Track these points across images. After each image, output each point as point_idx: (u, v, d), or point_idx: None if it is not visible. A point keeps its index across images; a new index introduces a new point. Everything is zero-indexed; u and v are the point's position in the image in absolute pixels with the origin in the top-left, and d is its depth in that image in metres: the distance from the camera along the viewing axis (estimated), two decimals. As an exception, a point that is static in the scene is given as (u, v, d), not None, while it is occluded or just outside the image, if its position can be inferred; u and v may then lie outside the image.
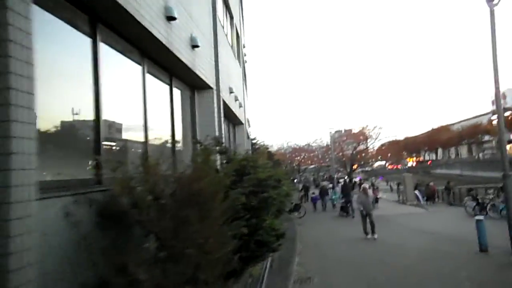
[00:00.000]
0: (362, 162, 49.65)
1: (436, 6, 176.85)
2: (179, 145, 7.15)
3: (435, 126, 78.98)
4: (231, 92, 10.80)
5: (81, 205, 3.40)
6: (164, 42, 5.26)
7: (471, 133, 66.54)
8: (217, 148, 6.31)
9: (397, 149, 71.35)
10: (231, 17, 13.03)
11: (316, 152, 54.41)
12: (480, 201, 15.96)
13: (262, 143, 30.27)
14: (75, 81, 3.99)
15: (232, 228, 4.33)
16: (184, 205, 3.66)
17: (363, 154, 46.78)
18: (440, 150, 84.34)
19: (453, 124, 75.11)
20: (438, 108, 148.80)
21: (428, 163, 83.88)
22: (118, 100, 4.78)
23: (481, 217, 9.03)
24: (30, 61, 2.54)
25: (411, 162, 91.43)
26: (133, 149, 5.29)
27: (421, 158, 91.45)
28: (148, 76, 5.57)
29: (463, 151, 76.43)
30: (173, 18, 5.48)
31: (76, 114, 3.97)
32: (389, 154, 67.56)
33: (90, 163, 4.06)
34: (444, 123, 77.79)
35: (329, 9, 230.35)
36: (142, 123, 5.31)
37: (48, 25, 3.45)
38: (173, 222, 3.59)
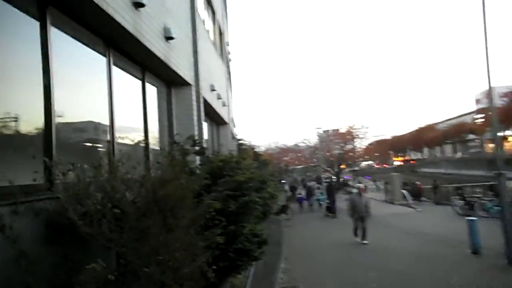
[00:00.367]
0: (350, 162, 49.59)
1: (421, 6, 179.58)
2: (153, 146, 6.60)
3: (421, 125, 79.74)
4: (212, 89, 10.28)
5: (23, 216, 2.87)
6: (131, 31, 4.72)
7: (456, 132, 67.30)
8: (193, 148, 5.81)
9: (384, 148, 71.76)
10: (213, 12, 12.53)
11: (304, 153, 54.25)
12: (468, 200, 15.79)
13: (248, 144, 29.79)
14: (20, 71, 3.43)
15: (206, 237, 3.85)
16: (146, 214, 3.15)
17: (351, 154, 46.71)
18: (426, 149, 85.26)
19: (438, 123, 75.90)
20: (424, 107, 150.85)
21: (411, 162, 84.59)
22: (76, 95, 4.22)
23: (473, 218, 8.72)
24: None
25: (397, 161, 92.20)
26: (95, 151, 4.73)
27: (408, 157, 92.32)
28: (115, 69, 5.02)
29: (448, 150, 77.39)
30: (141, 5, 4.95)
31: (22, 111, 3.42)
32: (376, 154, 67.81)
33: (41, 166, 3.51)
34: (430, 122, 78.57)
35: (314, 8, 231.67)
36: (107, 121, 4.77)
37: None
38: (132, 234, 3.07)
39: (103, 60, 4.74)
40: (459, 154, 68.38)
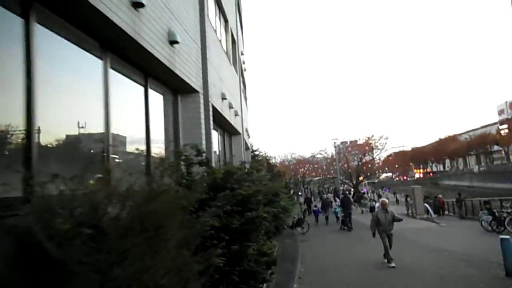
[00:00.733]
0: (369, 174, 48.34)
1: (445, 17, 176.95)
2: (157, 156, 6.23)
3: (442, 136, 77.54)
4: (224, 98, 9.92)
5: (-10, 234, 2.49)
6: (129, 33, 4.40)
7: (480, 143, 65.03)
8: (197, 158, 5.40)
9: (404, 160, 69.83)
10: (226, 20, 12.27)
11: (321, 164, 53.30)
12: (497, 215, 14.75)
13: (263, 155, 29.35)
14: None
15: (203, 259, 3.39)
16: (128, 233, 2.72)
17: (369, 165, 45.55)
18: (447, 161, 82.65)
19: (460, 134, 73.67)
20: (445, 118, 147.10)
21: (430, 175, 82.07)
22: (64, 99, 3.89)
23: (506, 236, 7.92)
24: None
25: (418, 173, 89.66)
26: (85, 161, 4.37)
27: (429, 169, 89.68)
28: (112, 73, 4.70)
29: (472, 161, 74.75)
30: (141, 5, 4.64)
31: None
32: (396, 165, 66.03)
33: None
34: (451, 133, 76.38)
35: (335, 18, 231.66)
36: (102, 129, 4.42)
37: None
38: (111, 258, 2.64)
39: (98, 62, 4.41)
40: (483, 166, 65.85)
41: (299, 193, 40.77)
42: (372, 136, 44.07)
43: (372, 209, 22.60)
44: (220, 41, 11.13)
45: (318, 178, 56.85)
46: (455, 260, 9.60)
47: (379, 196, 34.43)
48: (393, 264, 9.05)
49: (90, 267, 2.52)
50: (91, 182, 3.08)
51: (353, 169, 44.25)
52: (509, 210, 15.11)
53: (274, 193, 9.39)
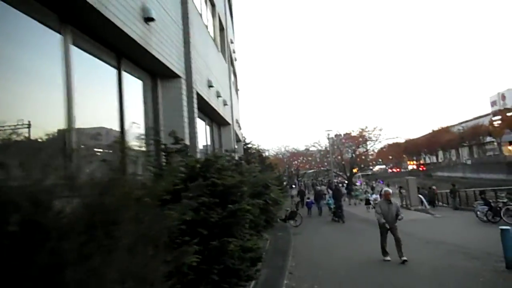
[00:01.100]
0: (363, 166, 48.15)
1: (436, 8, 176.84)
2: (134, 147, 5.72)
3: (436, 128, 77.66)
4: (210, 86, 9.41)
5: None
6: (92, 3, 3.87)
7: (472, 134, 65.18)
8: (175, 146, 4.93)
9: (398, 152, 69.84)
10: (212, 5, 11.71)
11: (315, 156, 53.04)
12: (493, 205, 14.48)
13: (256, 147, 28.93)
14: None
15: (175, 257, 2.95)
16: (73, 230, 2.25)
17: (363, 157, 45.34)
18: (440, 152, 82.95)
19: (453, 125, 73.78)
20: (438, 110, 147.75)
21: (421, 168, 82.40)
22: (12, 81, 3.37)
23: (507, 227, 7.57)
24: None
25: (411, 165, 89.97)
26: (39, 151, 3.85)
27: (422, 161, 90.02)
28: (75, 51, 4.18)
29: (464, 153, 75.07)
30: (106, -28, 4.10)
31: None
32: (390, 157, 66.00)
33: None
34: (444, 125, 76.51)
35: (328, 10, 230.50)
36: (63, 114, 3.91)
37: None
38: (53, 259, 2.18)
39: (56, 37, 3.89)
40: (475, 157, 66.20)
41: (293, 186, 40.45)
42: (366, 127, 43.79)
43: (367, 201, 22.33)
44: (206, 26, 10.59)
45: (312, 170, 56.64)
46: (453, 252, 9.27)
47: (372, 189, 34.18)
48: (405, 258, 8.24)
49: (19, 274, 2.04)
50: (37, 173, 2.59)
51: (347, 161, 43.99)
52: (504, 200, 14.87)
53: (264, 185, 8.95)
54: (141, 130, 6.23)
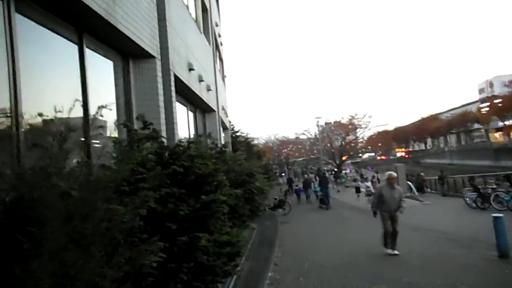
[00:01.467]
0: (352, 153, 48.18)
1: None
2: (101, 134, 5.20)
3: (424, 115, 78.10)
4: (191, 69, 8.85)
5: None
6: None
7: (460, 121, 65.71)
8: (143, 132, 4.44)
9: (387, 139, 70.08)
10: (193, -18, 11.05)
11: (304, 144, 52.88)
12: (482, 191, 14.35)
13: (245, 135, 28.49)
14: None
15: (130, 259, 2.51)
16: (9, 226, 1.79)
17: (353, 145, 45.33)
18: (429, 140, 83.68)
19: (442, 113, 74.26)
20: (427, 97, 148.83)
21: (404, 155, 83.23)
22: None
23: (499, 214, 7.32)
24: None
25: (400, 152, 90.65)
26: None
27: (411, 149, 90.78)
28: (20, 19, 3.61)
29: (452, 140, 75.82)
30: None
31: None
32: (379, 144, 66.24)
33: None
34: (433, 112, 76.96)
35: None
36: (7, 99, 3.37)
37: None
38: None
39: (-4, 4, 3.32)
40: (463, 144, 66.91)
41: (282, 174, 40.23)
42: (356, 114, 43.64)
43: (357, 189, 22.11)
44: (187, 6, 9.97)
45: (302, 158, 56.53)
46: (442, 240, 9.04)
47: (361, 176, 34.06)
48: (396, 252, 7.61)
49: None
50: None
51: (336, 149, 43.94)
52: (494, 186, 14.76)
53: (248, 173, 8.53)
54: (112, 115, 5.72)
